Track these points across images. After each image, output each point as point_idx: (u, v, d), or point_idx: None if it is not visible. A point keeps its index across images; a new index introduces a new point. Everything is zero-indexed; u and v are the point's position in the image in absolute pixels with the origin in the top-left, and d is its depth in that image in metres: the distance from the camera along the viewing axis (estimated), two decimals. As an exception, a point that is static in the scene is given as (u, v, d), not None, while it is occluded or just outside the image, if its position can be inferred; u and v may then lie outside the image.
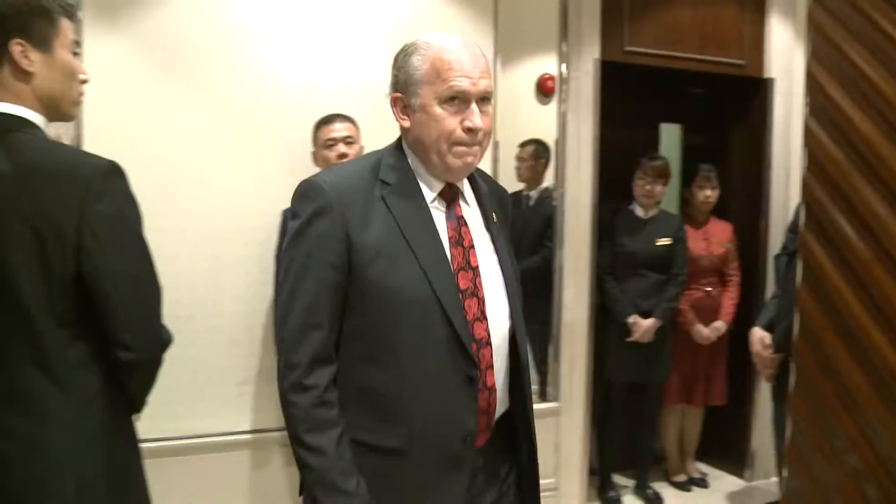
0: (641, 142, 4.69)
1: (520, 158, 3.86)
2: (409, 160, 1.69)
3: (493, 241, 1.76)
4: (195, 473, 3.17)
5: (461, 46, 1.61)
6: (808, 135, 2.36)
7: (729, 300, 4.42)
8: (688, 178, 4.56)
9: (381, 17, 3.38)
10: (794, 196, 3.97)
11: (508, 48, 3.64)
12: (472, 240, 1.69)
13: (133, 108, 3.02)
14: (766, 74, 4.51)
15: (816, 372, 2.31)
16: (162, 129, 3.07)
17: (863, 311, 2.17)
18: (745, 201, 4.71)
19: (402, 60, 1.66)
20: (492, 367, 1.67)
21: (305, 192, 1.60)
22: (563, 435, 3.96)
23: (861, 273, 2.17)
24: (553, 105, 3.80)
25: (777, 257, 3.65)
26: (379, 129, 3.26)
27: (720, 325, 4.35)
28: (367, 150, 3.15)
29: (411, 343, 1.57)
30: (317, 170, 3.10)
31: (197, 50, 3.11)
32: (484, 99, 1.62)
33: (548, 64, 3.79)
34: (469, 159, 1.63)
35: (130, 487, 1.84)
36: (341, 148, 3.02)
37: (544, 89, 3.78)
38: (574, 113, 3.81)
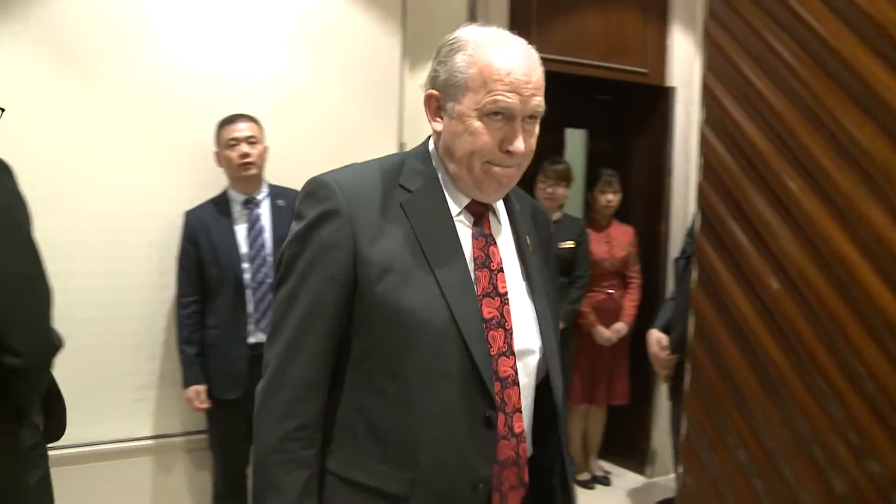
0: (546, 146, 4.74)
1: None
2: (436, 166, 1.47)
3: (525, 266, 1.52)
4: (95, 482, 3.08)
5: (517, 52, 1.39)
6: (704, 143, 2.44)
7: (630, 302, 4.54)
8: (591, 183, 4.66)
9: (287, 15, 3.35)
10: (694, 201, 4.10)
11: (417, 50, 3.65)
12: (501, 262, 1.46)
13: (25, 103, 2.90)
14: (668, 83, 4.64)
15: (710, 372, 2.40)
16: (56, 125, 2.97)
17: (753, 313, 2.26)
18: (647, 206, 4.84)
19: (445, 55, 1.42)
20: (520, 410, 1.43)
21: (313, 191, 1.40)
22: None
23: (752, 277, 2.25)
24: (461, 108, 3.82)
25: (676, 261, 3.76)
26: (283, 129, 3.24)
27: (621, 327, 4.46)
28: (271, 150, 3.12)
29: (422, 374, 1.35)
30: (219, 170, 3.06)
31: (94, 43, 3.02)
32: (532, 116, 1.39)
33: (456, 67, 3.81)
34: (504, 180, 1.41)
35: (17, 499, 1.76)
36: (244, 148, 2.98)
37: (452, 92, 3.79)
38: (482, 116, 3.84)
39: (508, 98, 1.34)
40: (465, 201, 1.45)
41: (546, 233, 1.68)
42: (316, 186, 1.40)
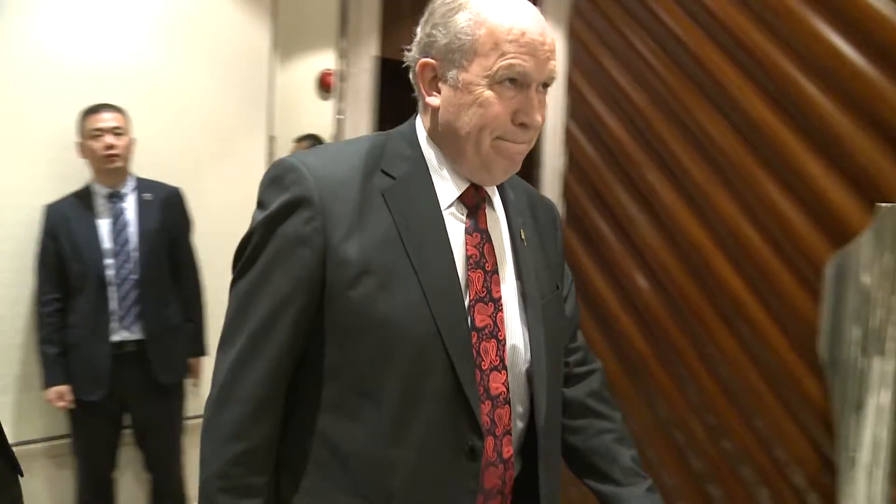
0: (420, 138, 4.79)
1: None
2: (425, 149, 1.26)
3: (518, 266, 1.31)
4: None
5: (528, 10, 1.19)
6: (568, 137, 2.53)
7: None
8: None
9: (152, 2, 3.23)
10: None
11: (288, 42, 3.59)
12: (496, 263, 1.25)
13: None
14: (537, 76, 4.74)
15: (577, 359, 2.48)
16: None
17: (616, 302, 2.35)
18: (517, 197, 4.94)
19: (441, 16, 1.20)
20: (510, 432, 1.24)
21: (278, 175, 1.19)
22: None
23: (613, 265, 2.35)
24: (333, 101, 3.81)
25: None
26: (149, 121, 3.14)
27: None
28: (138, 143, 3.01)
29: (401, 393, 1.16)
30: (81, 162, 2.93)
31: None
32: (545, 84, 1.20)
33: (329, 59, 3.78)
34: (517, 158, 1.22)
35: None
36: (108, 139, 2.86)
37: (325, 85, 3.77)
38: (352, 109, 3.83)
39: (524, 61, 1.15)
40: (460, 190, 1.25)
41: (549, 223, 1.45)
42: (282, 170, 1.19)
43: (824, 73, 1.85)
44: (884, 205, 1.71)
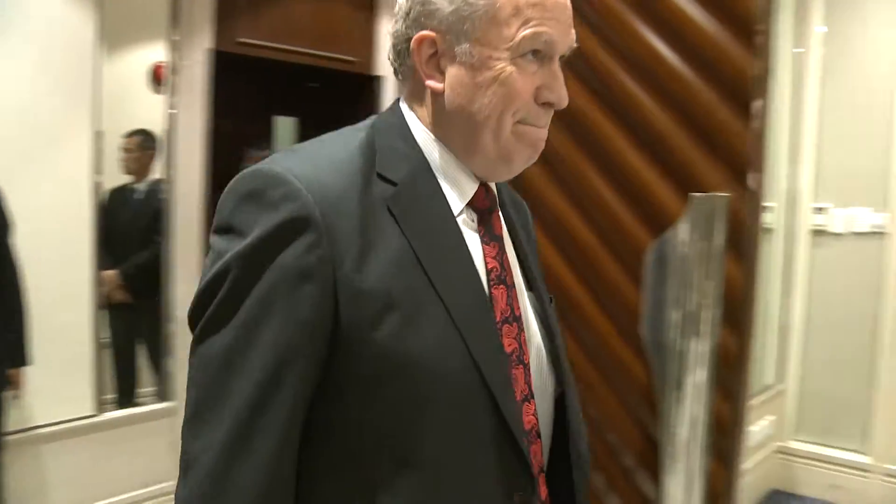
0: (255, 134, 4.72)
1: (125, 149, 3.66)
2: (423, 144, 1.03)
3: (528, 275, 1.13)
4: None
5: None
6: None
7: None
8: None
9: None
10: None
11: (116, 33, 3.44)
12: (514, 275, 1.06)
13: None
14: (376, 72, 4.75)
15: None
16: None
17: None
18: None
19: None
20: (543, 469, 1.07)
21: (257, 189, 0.92)
22: (179, 434, 3.84)
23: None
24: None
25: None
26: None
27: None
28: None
29: (437, 449, 0.93)
30: None
31: None
32: (562, 56, 1.02)
33: (161, 52, 3.65)
34: (539, 145, 1.03)
35: None
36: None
37: (157, 78, 3.62)
38: (185, 104, 3.71)
39: (551, 28, 0.96)
40: (471, 192, 1.04)
41: (528, 223, 1.27)
42: (263, 182, 0.92)
43: (645, 73, 1.96)
44: (697, 195, 1.83)
